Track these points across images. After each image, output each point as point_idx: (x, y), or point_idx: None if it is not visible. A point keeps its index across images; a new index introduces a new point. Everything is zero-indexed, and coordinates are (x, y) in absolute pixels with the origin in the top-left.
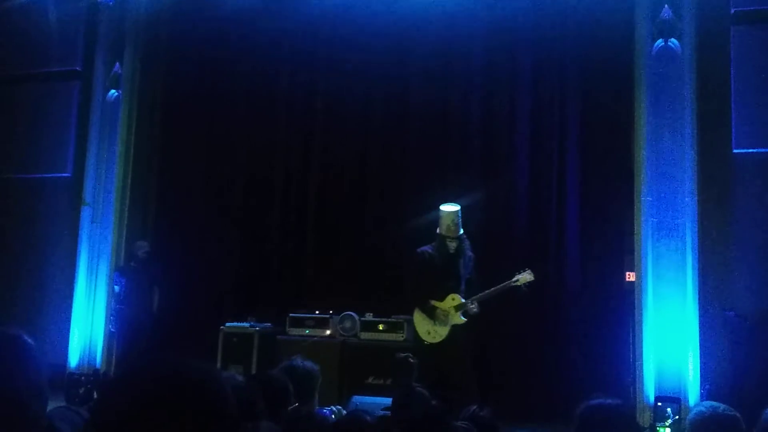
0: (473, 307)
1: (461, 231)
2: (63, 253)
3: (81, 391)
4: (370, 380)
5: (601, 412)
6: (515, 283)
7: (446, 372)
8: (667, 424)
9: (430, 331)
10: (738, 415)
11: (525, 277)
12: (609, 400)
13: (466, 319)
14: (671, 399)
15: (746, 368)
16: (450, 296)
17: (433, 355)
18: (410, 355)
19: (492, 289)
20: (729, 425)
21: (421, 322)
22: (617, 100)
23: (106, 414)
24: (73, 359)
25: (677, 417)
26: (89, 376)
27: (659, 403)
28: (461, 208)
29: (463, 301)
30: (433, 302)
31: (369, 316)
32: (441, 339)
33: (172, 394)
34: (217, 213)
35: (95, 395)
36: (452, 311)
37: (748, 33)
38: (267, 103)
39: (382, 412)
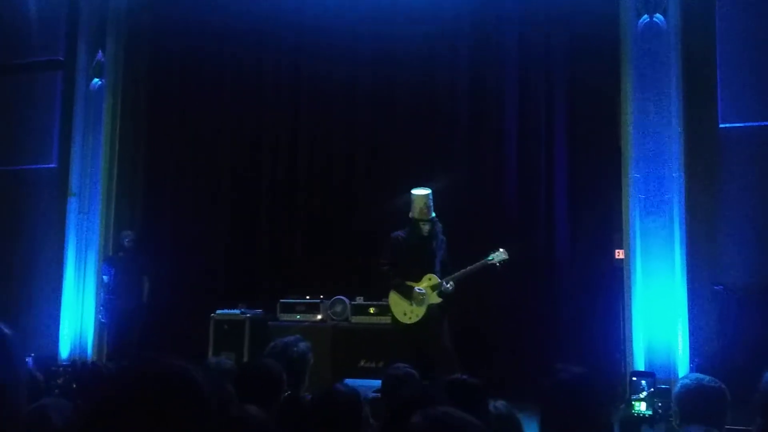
0: (448, 286)
1: (433, 214)
2: (51, 244)
3: (60, 381)
4: (362, 363)
5: (568, 385)
6: (489, 262)
7: (425, 351)
8: (642, 396)
9: (406, 312)
10: (723, 386)
11: (499, 255)
12: (575, 371)
13: (442, 299)
14: (646, 374)
15: (735, 341)
16: (426, 276)
17: (410, 336)
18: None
19: (467, 268)
20: (715, 397)
21: (397, 304)
22: (604, 77)
23: (94, 406)
24: (64, 350)
25: (651, 390)
26: (67, 367)
27: (634, 378)
28: (431, 192)
29: (440, 281)
30: (409, 283)
31: (359, 300)
32: (418, 319)
33: (151, 387)
34: (205, 200)
35: (74, 386)
36: (429, 291)
37: (733, 6)
38: (253, 89)
39: (372, 395)
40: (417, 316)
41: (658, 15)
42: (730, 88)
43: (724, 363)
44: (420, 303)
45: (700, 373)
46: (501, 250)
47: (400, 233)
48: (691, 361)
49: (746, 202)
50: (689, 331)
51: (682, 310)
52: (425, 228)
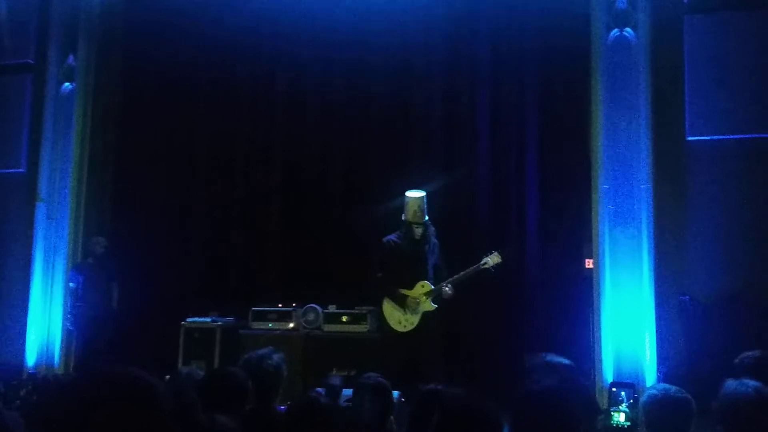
0: (448, 290)
1: (426, 217)
2: (18, 250)
3: (22, 393)
4: (333, 372)
5: (539, 397)
6: (484, 266)
7: (416, 360)
8: (621, 408)
9: (401, 320)
10: (689, 396)
11: (493, 258)
12: (546, 383)
13: (436, 306)
14: (626, 384)
15: (700, 351)
16: (419, 283)
17: (403, 344)
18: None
19: (461, 273)
20: (681, 407)
21: (391, 313)
22: (574, 90)
23: (49, 415)
24: (31, 358)
25: (631, 401)
26: (28, 380)
27: (614, 389)
28: (426, 195)
29: (433, 287)
30: (403, 291)
31: (332, 308)
32: (412, 327)
33: (107, 397)
34: (176, 206)
35: (35, 398)
36: (423, 298)
37: (701, 22)
38: (227, 95)
39: (344, 404)
40: (411, 324)
41: (628, 29)
42: (698, 102)
43: (689, 372)
44: (414, 311)
45: (667, 382)
46: (494, 252)
47: (392, 237)
48: (658, 370)
49: (712, 214)
50: (656, 340)
51: (650, 319)
52: (418, 231)
